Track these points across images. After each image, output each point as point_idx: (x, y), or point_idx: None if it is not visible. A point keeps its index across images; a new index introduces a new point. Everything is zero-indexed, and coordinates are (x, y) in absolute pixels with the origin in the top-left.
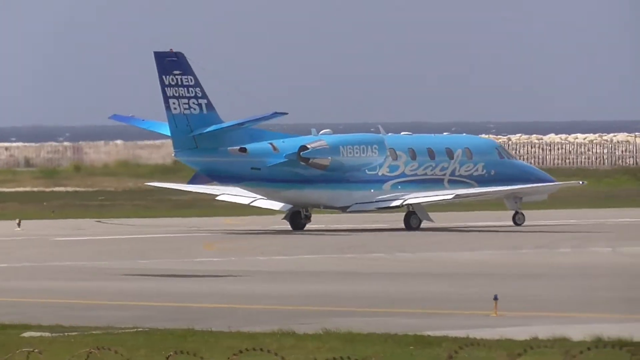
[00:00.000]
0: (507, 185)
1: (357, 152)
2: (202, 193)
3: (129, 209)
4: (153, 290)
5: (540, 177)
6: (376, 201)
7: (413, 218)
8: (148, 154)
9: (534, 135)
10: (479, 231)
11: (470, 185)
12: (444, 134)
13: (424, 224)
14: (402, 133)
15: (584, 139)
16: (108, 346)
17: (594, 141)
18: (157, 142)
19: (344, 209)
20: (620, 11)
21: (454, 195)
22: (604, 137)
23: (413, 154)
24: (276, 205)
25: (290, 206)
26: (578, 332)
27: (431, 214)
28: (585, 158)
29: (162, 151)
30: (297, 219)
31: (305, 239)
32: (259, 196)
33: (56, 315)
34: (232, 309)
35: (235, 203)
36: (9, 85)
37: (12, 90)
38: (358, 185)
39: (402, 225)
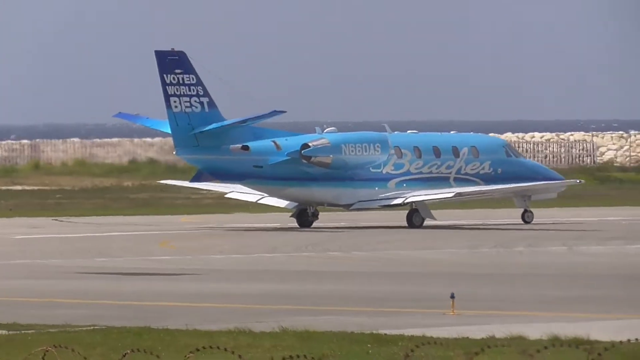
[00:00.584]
0: (514, 183)
1: (359, 151)
2: (212, 191)
3: (87, 207)
4: (110, 289)
5: (548, 175)
6: (379, 199)
7: (416, 216)
8: (105, 152)
9: (491, 133)
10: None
11: (476, 184)
12: (451, 132)
13: (427, 221)
14: (409, 131)
15: (541, 137)
16: (65, 344)
17: (551, 140)
18: (115, 139)
19: (347, 207)
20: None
21: (454, 193)
22: (561, 136)
23: (418, 152)
24: (282, 202)
25: (296, 204)
26: (535, 330)
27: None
28: (542, 157)
29: (119, 150)
30: (304, 217)
31: (263, 237)
32: (265, 194)
33: (12, 314)
34: (189, 308)
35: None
36: (11, 84)
37: (16, 89)
38: (362, 183)
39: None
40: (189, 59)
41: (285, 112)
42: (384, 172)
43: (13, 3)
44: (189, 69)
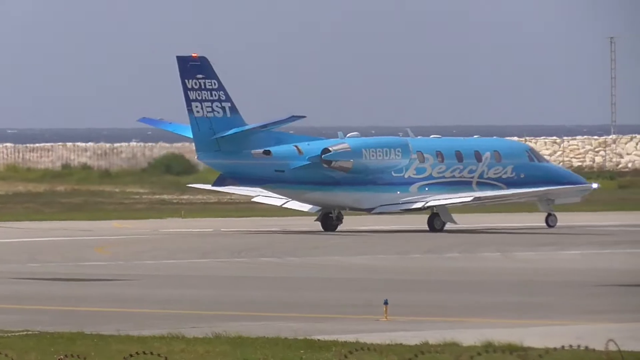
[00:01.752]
0: (536, 188)
1: (380, 155)
2: (240, 194)
3: (19, 212)
4: (43, 294)
5: (572, 179)
6: (401, 203)
7: (436, 220)
8: (38, 157)
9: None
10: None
11: (499, 188)
12: (474, 137)
13: (448, 225)
14: (432, 136)
15: None
16: None
17: None
18: (47, 144)
19: (369, 211)
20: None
21: (472, 197)
22: None
23: (441, 157)
24: (306, 207)
25: (318, 208)
26: (468, 336)
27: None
28: None
29: (52, 155)
30: (329, 221)
31: (197, 243)
32: (288, 198)
33: None
34: (122, 313)
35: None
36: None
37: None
38: (384, 187)
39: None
40: (211, 64)
41: (304, 117)
42: (405, 176)
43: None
44: (210, 74)
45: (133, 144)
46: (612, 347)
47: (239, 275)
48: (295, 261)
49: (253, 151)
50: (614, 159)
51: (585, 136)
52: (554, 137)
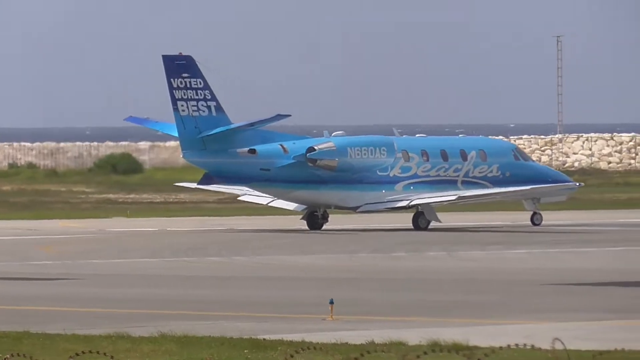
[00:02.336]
0: (521, 187)
1: (365, 154)
2: (225, 193)
3: None
4: None
5: (557, 178)
6: (386, 202)
7: (421, 218)
8: None
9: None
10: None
11: (485, 187)
12: (459, 135)
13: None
14: (417, 135)
15: None
16: None
17: None
18: None
19: (354, 209)
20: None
21: (457, 196)
22: None
23: (426, 156)
24: (291, 205)
25: (304, 207)
26: (414, 336)
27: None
28: None
29: None
30: (314, 219)
31: (143, 242)
32: (274, 197)
33: None
34: (68, 312)
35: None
36: (13, 86)
37: (17, 92)
38: (369, 186)
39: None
40: (197, 63)
41: (289, 115)
42: (391, 175)
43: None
44: (196, 73)
45: (79, 143)
46: (558, 346)
47: (185, 275)
48: (242, 260)
49: (239, 150)
50: (560, 159)
51: (532, 135)
52: (501, 137)
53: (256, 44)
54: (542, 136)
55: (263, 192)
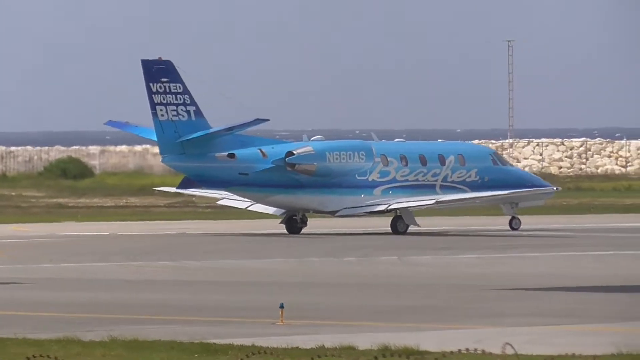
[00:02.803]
0: (499, 191)
1: (343, 158)
2: (205, 197)
3: None
4: None
5: (535, 183)
6: (364, 206)
7: (399, 222)
8: None
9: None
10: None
11: (463, 191)
12: (438, 140)
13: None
14: (396, 140)
15: None
16: None
17: None
18: None
19: (333, 214)
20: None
21: (435, 201)
22: None
23: (405, 160)
24: (270, 209)
25: (283, 211)
26: (365, 340)
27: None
28: None
29: None
30: (293, 223)
31: (94, 246)
32: (253, 201)
33: None
34: (18, 316)
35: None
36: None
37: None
38: (348, 190)
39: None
40: (176, 67)
41: (268, 120)
42: (369, 179)
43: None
44: (175, 77)
45: (29, 147)
46: (508, 351)
47: (135, 279)
48: (192, 264)
49: (217, 154)
50: None
51: (482, 140)
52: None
53: (237, 49)
54: (493, 141)
55: (242, 196)
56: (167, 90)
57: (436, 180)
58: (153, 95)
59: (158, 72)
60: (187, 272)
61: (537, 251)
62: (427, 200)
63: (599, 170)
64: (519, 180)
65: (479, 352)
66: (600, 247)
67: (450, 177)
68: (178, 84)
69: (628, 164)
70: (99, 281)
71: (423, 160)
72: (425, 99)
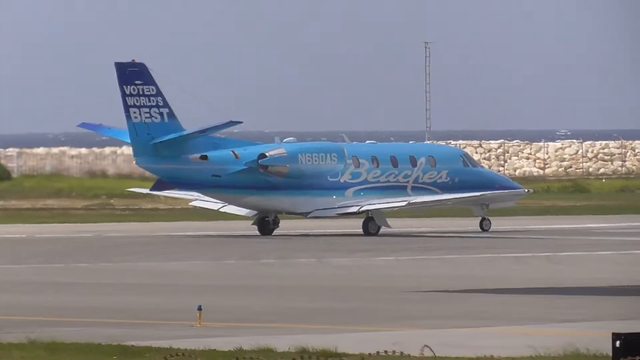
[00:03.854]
0: (470, 193)
1: (315, 160)
2: (177, 198)
3: None
4: None
5: (505, 184)
6: (336, 207)
7: (371, 224)
8: None
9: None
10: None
11: (434, 193)
12: (410, 142)
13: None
14: (367, 142)
15: None
16: None
17: None
18: None
19: (304, 215)
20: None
21: (406, 202)
22: None
23: (376, 162)
24: (242, 211)
25: (255, 212)
26: (282, 342)
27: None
28: None
29: None
30: (265, 225)
31: (13, 248)
32: (226, 202)
33: None
34: None
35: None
36: None
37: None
38: (319, 191)
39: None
40: (149, 70)
41: (241, 122)
42: (341, 181)
43: None
44: (148, 80)
45: None
46: (427, 353)
47: (52, 281)
48: (109, 267)
49: (191, 156)
50: None
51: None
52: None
53: (210, 51)
54: (412, 142)
55: (214, 198)
56: (141, 92)
57: (407, 182)
58: (126, 98)
59: (131, 74)
60: (104, 274)
61: (457, 253)
62: (399, 201)
63: (517, 172)
64: (489, 182)
65: (397, 354)
66: (520, 249)
67: (422, 179)
68: (151, 87)
69: (546, 166)
70: (15, 283)
71: (394, 162)
72: (347, 100)
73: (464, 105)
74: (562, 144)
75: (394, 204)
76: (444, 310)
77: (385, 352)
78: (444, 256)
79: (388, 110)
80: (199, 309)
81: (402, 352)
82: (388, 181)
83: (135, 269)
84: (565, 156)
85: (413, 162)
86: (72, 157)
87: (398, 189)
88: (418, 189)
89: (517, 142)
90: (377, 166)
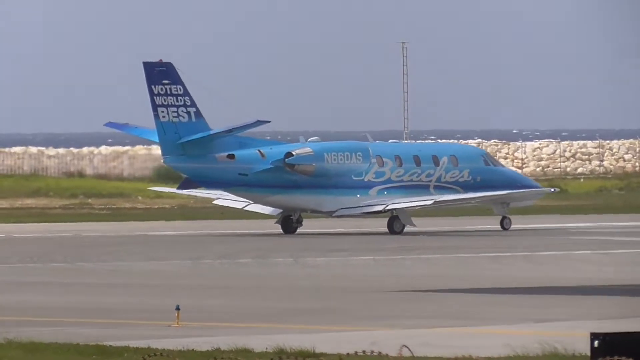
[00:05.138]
0: (492, 191)
1: (341, 159)
2: (201, 197)
3: None
4: None
5: (525, 183)
6: (361, 206)
7: (396, 222)
8: None
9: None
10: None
11: (456, 192)
12: (429, 141)
13: (407, 228)
14: (390, 141)
15: None
16: None
17: None
18: None
19: (330, 214)
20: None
21: (433, 201)
22: None
23: (399, 161)
24: (267, 209)
25: (280, 211)
26: (260, 343)
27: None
28: None
29: None
30: (289, 223)
31: None
32: (250, 201)
33: None
34: None
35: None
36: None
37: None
38: (344, 190)
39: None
40: (177, 70)
41: (269, 121)
42: (365, 180)
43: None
44: (176, 79)
45: None
46: (405, 353)
47: (30, 281)
48: (87, 266)
49: (217, 155)
50: None
51: (377, 141)
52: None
53: (233, 50)
54: (391, 141)
55: (241, 197)
56: (168, 92)
57: (430, 181)
58: (155, 97)
59: (159, 74)
60: (82, 274)
61: (433, 253)
62: (425, 200)
63: None
64: (509, 181)
65: (375, 354)
66: (498, 248)
67: (444, 178)
68: (178, 86)
69: (524, 165)
70: None
71: (417, 161)
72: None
73: (443, 105)
74: (540, 144)
75: (420, 202)
76: (422, 310)
77: (364, 352)
78: (420, 255)
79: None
80: (177, 308)
81: (380, 352)
82: (411, 180)
83: (113, 269)
84: (543, 156)
85: (435, 161)
86: (50, 157)
87: (421, 188)
88: (440, 187)
89: (494, 142)
90: (400, 165)
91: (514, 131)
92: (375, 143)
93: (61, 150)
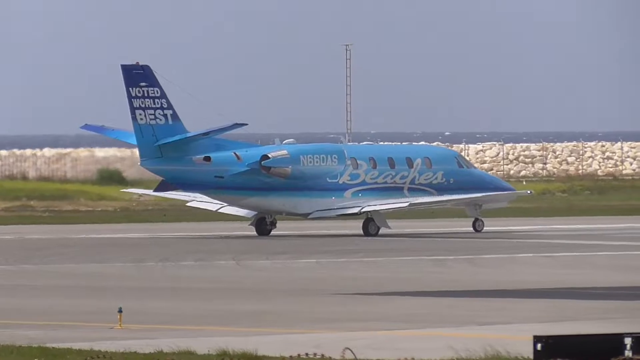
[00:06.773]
0: (466, 193)
1: (317, 161)
2: (174, 199)
3: None
4: None
5: (498, 185)
6: (336, 208)
7: (371, 225)
8: None
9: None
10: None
11: (430, 194)
12: (404, 143)
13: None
14: (364, 142)
15: None
16: None
17: None
18: None
19: (305, 216)
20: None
21: (408, 203)
22: None
23: (374, 163)
24: (241, 212)
25: (255, 213)
26: (203, 345)
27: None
28: None
29: None
30: (263, 225)
31: None
32: (225, 203)
33: None
34: None
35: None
36: None
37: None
38: (319, 192)
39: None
40: (154, 72)
41: (246, 124)
42: (340, 182)
43: None
44: (153, 82)
45: None
46: (348, 356)
47: None
48: (30, 268)
49: (194, 158)
50: None
51: (351, 143)
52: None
53: (210, 54)
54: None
55: (217, 199)
56: (146, 94)
57: (404, 183)
58: (132, 100)
59: (137, 76)
60: (25, 275)
61: (378, 255)
62: (400, 202)
63: None
64: (482, 183)
65: (318, 356)
66: (441, 251)
67: (418, 180)
68: (156, 89)
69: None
70: None
71: (391, 163)
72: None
73: (387, 107)
74: (483, 146)
75: (395, 205)
76: (365, 312)
77: (307, 354)
78: (365, 258)
79: (311, 112)
80: (120, 311)
81: (323, 355)
82: (385, 182)
83: (56, 271)
84: (486, 158)
85: (409, 163)
86: None
87: (395, 190)
88: (414, 190)
89: (437, 144)
90: (375, 167)
91: (446, 133)
92: (349, 145)
93: (3, 152)
